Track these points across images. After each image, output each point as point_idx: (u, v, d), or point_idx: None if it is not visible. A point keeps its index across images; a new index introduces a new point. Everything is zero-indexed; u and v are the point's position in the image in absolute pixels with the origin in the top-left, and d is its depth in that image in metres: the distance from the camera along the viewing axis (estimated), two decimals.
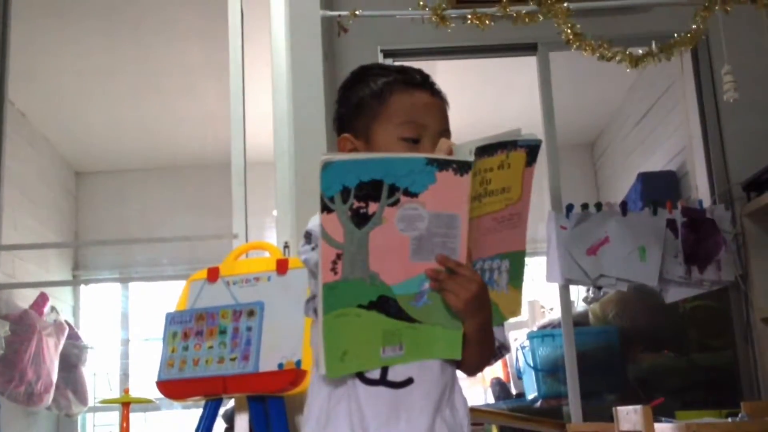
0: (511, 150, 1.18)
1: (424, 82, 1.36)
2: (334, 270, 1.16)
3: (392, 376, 1.24)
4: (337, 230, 1.14)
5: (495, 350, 1.34)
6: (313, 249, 1.28)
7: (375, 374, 1.25)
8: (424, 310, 1.21)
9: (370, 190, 1.13)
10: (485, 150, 1.15)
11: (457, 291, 1.18)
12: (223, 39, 3.13)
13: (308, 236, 1.32)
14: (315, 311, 1.22)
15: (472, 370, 1.33)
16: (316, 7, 3.18)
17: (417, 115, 1.33)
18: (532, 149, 1.21)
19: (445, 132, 1.35)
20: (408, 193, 1.14)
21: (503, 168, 1.18)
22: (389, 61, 3.77)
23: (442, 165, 1.13)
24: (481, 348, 1.28)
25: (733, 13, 3.29)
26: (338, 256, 1.15)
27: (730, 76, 3.20)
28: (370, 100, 1.34)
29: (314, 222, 1.31)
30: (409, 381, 1.25)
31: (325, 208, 1.13)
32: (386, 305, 1.19)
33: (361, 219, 1.14)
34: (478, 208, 1.18)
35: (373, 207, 1.14)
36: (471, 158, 1.13)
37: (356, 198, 1.13)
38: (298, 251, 1.38)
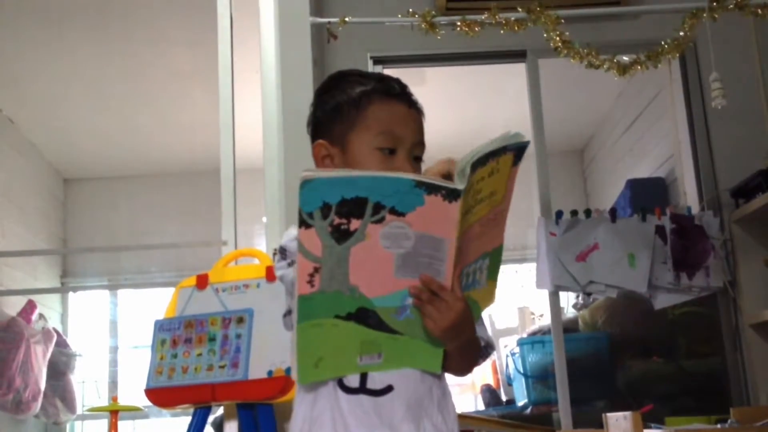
0: (501, 155, 1.16)
1: (402, 93, 1.37)
2: (311, 282, 1.15)
3: (371, 383, 1.24)
4: (316, 245, 1.12)
5: (481, 350, 1.34)
6: (289, 265, 1.28)
7: (354, 382, 1.25)
8: (406, 323, 1.20)
9: (353, 207, 1.11)
10: (479, 162, 1.12)
11: (436, 318, 1.18)
12: (212, 46, 3.13)
13: (283, 252, 1.31)
14: (293, 326, 1.22)
15: (459, 374, 1.34)
16: (305, 13, 3.19)
17: (394, 126, 1.32)
18: (519, 150, 1.19)
19: (420, 144, 1.35)
20: (394, 212, 1.12)
21: (493, 174, 1.16)
22: (378, 68, 3.78)
23: (431, 189, 1.11)
24: (464, 358, 1.29)
25: (720, 21, 3.31)
26: (316, 270, 1.14)
27: (718, 83, 3.22)
28: (347, 108, 1.34)
29: (289, 237, 1.31)
30: (388, 389, 1.25)
31: (303, 224, 1.11)
32: (365, 316, 1.18)
33: (341, 235, 1.12)
34: (468, 219, 1.16)
35: (355, 224, 1.12)
36: (464, 184, 1.10)
37: (337, 214, 1.11)
38: (275, 267, 1.37)
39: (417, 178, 1.12)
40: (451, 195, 1.10)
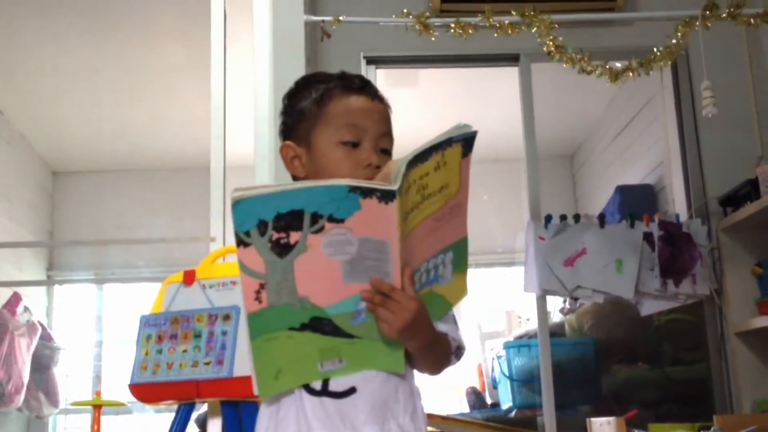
0: (446, 148, 1.15)
1: (363, 87, 1.37)
2: (258, 299, 1.14)
3: (334, 386, 1.24)
4: (257, 262, 1.11)
5: (452, 351, 1.32)
6: None
7: (317, 385, 1.24)
8: (363, 327, 1.19)
9: (290, 220, 1.09)
10: (418, 159, 1.12)
11: (390, 320, 1.16)
12: (205, 40, 3.12)
13: None
14: None
15: (428, 373, 1.32)
16: (299, 11, 3.18)
17: (356, 118, 1.33)
18: (467, 141, 1.18)
19: (387, 135, 1.35)
20: (333, 220, 1.10)
21: (440, 168, 1.15)
22: (371, 68, 3.78)
23: (366, 192, 1.09)
24: (429, 357, 1.28)
25: (713, 29, 3.33)
26: (261, 286, 1.13)
27: (709, 91, 3.23)
28: (310, 106, 1.35)
29: None
30: (351, 390, 1.24)
31: (241, 243, 1.10)
32: (320, 325, 1.17)
33: (283, 249, 1.11)
34: (416, 216, 1.15)
35: (294, 236, 1.10)
36: (398, 184, 1.09)
37: (275, 229, 1.09)
38: None
39: (351, 183, 1.10)
40: (387, 196, 1.09)
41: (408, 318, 1.16)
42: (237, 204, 1.08)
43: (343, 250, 1.12)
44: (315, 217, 1.09)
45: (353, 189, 1.09)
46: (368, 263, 1.14)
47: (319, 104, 1.35)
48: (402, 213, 1.11)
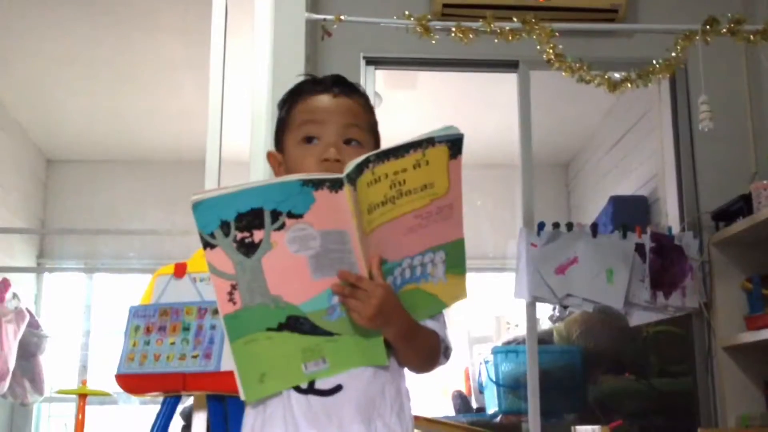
0: (427, 147, 1.17)
1: (327, 87, 1.38)
2: (232, 300, 1.15)
3: (320, 384, 1.25)
4: (226, 263, 1.13)
5: (439, 349, 1.32)
6: None
7: (303, 383, 1.25)
8: (340, 322, 1.20)
9: (251, 219, 1.11)
10: (390, 153, 1.13)
11: (359, 308, 1.17)
12: (205, 35, 3.11)
13: None
14: None
15: (417, 370, 1.33)
16: (301, 9, 3.18)
17: (312, 114, 1.35)
18: (454, 143, 1.20)
19: (353, 126, 1.35)
20: (292, 216, 1.12)
21: (420, 166, 1.16)
22: (371, 69, 3.77)
23: (317, 184, 1.11)
24: (413, 349, 1.28)
25: (712, 44, 3.34)
26: (233, 287, 1.14)
27: (707, 105, 3.24)
28: (283, 114, 1.41)
29: None
30: (337, 388, 1.25)
31: (208, 245, 1.12)
32: (297, 324, 1.18)
33: (248, 248, 1.12)
34: (391, 210, 1.16)
35: (258, 234, 1.12)
36: (347, 171, 1.10)
37: (238, 229, 1.11)
38: None
39: (302, 177, 1.11)
40: (335, 185, 1.11)
41: (375, 304, 1.16)
42: (197, 206, 1.10)
43: (307, 245, 1.14)
44: (275, 215, 1.11)
45: (305, 183, 1.11)
46: (334, 256, 1.15)
47: (287, 110, 1.39)
48: (364, 202, 1.12)
